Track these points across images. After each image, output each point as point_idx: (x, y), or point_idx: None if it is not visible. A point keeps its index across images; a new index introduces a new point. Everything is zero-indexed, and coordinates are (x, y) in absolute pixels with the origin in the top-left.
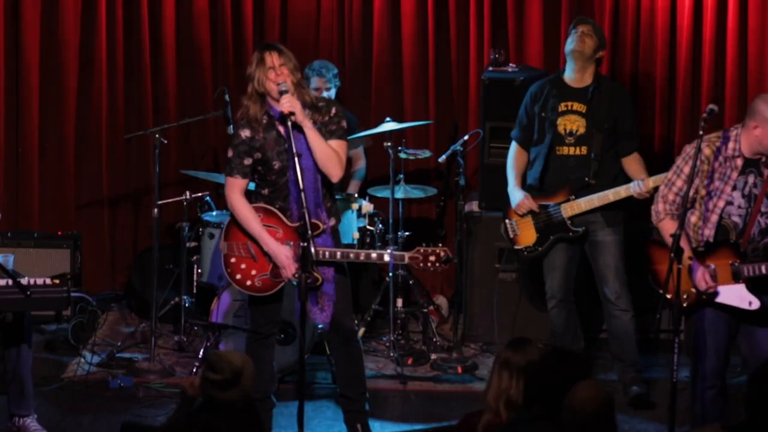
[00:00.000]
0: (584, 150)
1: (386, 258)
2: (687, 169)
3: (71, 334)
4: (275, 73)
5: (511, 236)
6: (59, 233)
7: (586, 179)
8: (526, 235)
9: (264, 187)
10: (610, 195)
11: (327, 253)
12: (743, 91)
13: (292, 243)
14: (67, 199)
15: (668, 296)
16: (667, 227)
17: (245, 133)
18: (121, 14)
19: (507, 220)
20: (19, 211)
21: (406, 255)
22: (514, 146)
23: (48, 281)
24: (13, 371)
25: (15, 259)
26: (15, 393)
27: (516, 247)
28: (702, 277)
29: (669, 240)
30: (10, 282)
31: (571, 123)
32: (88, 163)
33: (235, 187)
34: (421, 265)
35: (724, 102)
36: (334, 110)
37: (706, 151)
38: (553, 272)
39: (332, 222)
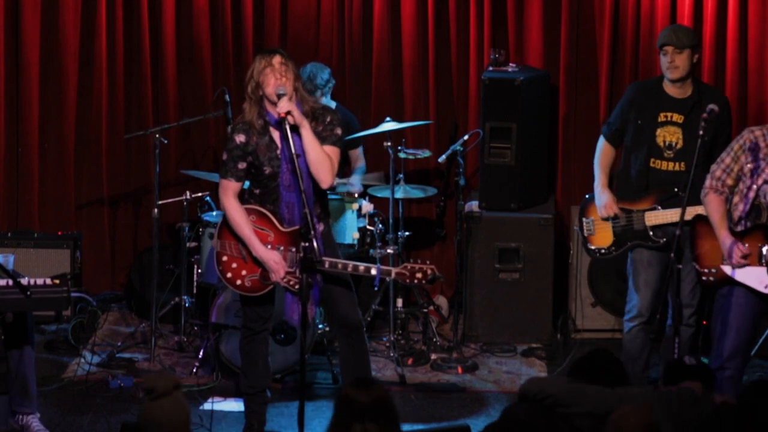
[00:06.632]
0: (682, 166)
1: (373, 272)
2: (736, 147)
3: (71, 334)
4: (275, 78)
5: (586, 234)
6: (59, 233)
7: (676, 190)
8: (602, 236)
9: (256, 187)
10: (700, 209)
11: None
12: (743, 90)
13: (282, 248)
14: (67, 199)
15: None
16: (710, 200)
17: (240, 138)
18: (121, 14)
19: (584, 218)
20: (19, 211)
21: (393, 270)
22: (602, 143)
23: (48, 281)
24: (17, 371)
25: (15, 259)
26: (18, 393)
27: (590, 246)
28: (737, 249)
29: (713, 215)
30: (10, 282)
31: (670, 135)
32: (88, 163)
33: (228, 190)
34: (407, 281)
35: None
36: (329, 118)
37: (757, 132)
38: (644, 290)
39: (321, 227)
